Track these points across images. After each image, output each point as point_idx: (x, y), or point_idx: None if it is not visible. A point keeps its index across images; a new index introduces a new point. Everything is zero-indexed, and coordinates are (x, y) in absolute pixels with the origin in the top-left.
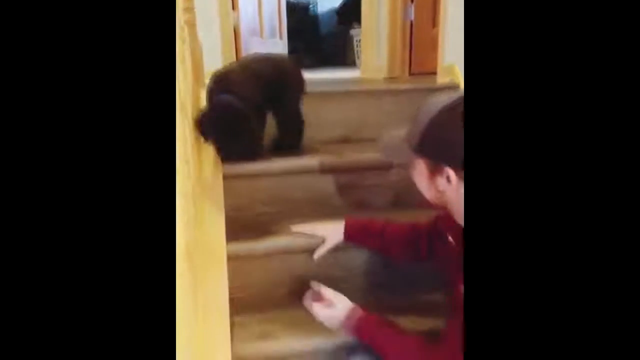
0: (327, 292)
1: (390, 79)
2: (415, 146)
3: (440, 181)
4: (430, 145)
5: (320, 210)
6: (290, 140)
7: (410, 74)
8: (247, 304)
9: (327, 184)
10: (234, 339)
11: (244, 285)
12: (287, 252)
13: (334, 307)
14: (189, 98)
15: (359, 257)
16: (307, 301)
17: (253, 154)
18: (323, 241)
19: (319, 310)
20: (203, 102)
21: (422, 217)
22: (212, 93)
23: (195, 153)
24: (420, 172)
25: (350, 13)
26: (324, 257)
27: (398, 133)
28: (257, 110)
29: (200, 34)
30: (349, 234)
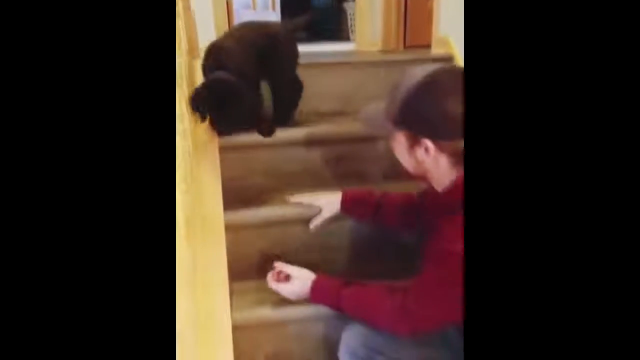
0: (287, 268)
1: (385, 51)
2: (394, 119)
3: (419, 152)
4: (408, 118)
5: (315, 181)
6: (284, 113)
7: (405, 46)
8: (245, 272)
9: (322, 155)
10: (234, 305)
11: (242, 253)
12: (284, 221)
13: (293, 281)
14: (184, 71)
15: (353, 227)
16: (271, 281)
17: (248, 125)
18: (319, 212)
19: (280, 287)
20: (198, 74)
21: (414, 188)
22: (206, 68)
23: (192, 126)
24: (399, 144)
25: None
26: (320, 227)
27: (378, 106)
28: (252, 81)
29: (193, 7)
30: (345, 206)
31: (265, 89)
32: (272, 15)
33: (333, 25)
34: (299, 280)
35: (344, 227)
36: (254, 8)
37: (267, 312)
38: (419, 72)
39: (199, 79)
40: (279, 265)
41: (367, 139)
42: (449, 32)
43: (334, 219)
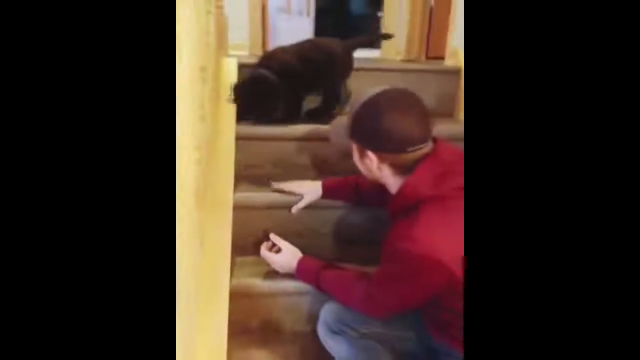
0: (282, 243)
1: (407, 60)
2: (348, 132)
3: (366, 161)
4: (357, 132)
5: (321, 174)
6: (320, 114)
7: (427, 57)
8: (248, 248)
9: (332, 150)
10: (233, 275)
11: (247, 231)
12: (287, 206)
13: (282, 254)
14: (211, 63)
15: (345, 215)
16: (263, 250)
17: (269, 118)
18: (302, 197)
19: (270, 257)
20: (224, 68)
21: None
22: (255, 67)
23: (212, 112)
24: (354, 153)
25: None
26: (318, 214)
27: (342, 119)
28: (295, 86)
29: (229, 9)
30: (326, 191)
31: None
32: (307, 20)
33: (366, 31)
34: (288, 254)
35: (336, 215)
36: (289, 12)
37: (260, 283)
38: (367, 93)
39: (227, 75)
40: (273, 238)
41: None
42: (459, 45)
43: (316, 204)
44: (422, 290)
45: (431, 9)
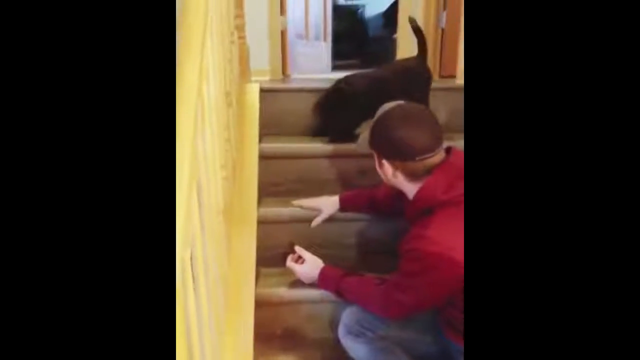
0: (305, 254)
1: None
2: (369, 142)
3: (383, 169)
4: (374, 142)
5: (342, 189)
6: None
7: (440, 76)
8: (273, 260)
9: (350, 166)
10: (258, 285)
11: (271, 244)
12: (308, 219)
13: (306, 265)
14: (234, 89)
15: (367, 228)
16: (289, 261)
17: (342, 134)
18: (320, 212)
19: (294, 267)
20: (247, 94)
21: None
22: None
23: (236, 134)
24: (375, 161)
25: (395, 18)
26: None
27: (367, 133)
28: (367, 102)
29: (251, 36)
30: (343, 204)
31: None
32: (323, 45)
33: (384, 53)
34: (311, 265)
35: (356, 227)
36: (307, 38)
37: (284, 292)
38: (384, 107)
39: (249, 99)
40: (298, 250)
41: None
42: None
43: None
44: (438, 288)
45: (442, 31)
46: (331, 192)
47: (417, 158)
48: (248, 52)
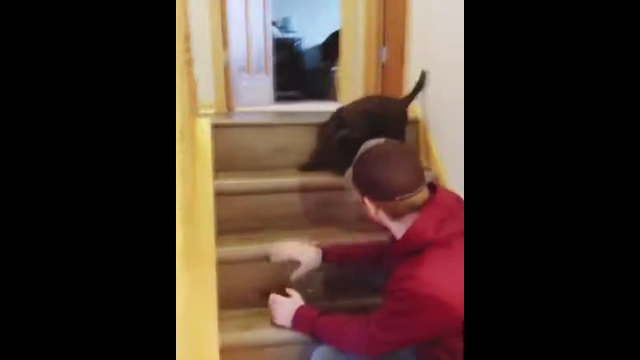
0: (279, 298)
1: None
2: (352, 180)
3: (366, 207)
4: (355, 180)
5: (298, 224)
6: None
7: None
8: (235, 301)
9: (305, 201)
10: (222, 330)
11: (231, 285)
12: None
13: (280, 308)
14: (187, 126)
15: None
16: (269, 302)
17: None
18: (299, 265)
19: (272, 309)
20: (198, 130)
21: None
22: (331, 127)
23: (189, 171)
24: (359, 199)
25: (332, 51)
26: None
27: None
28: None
29: (195, 70)
30: (327, 258)
31: None
32: (266, 77)
33: (322, 86)
34: (285, 307)
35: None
36: (249, 71)
37: (249, 336)
38: (365, 145)
39: (200, 134)
40: (272, 296)
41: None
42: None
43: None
44: (423, 330)
45: (383, 64)
46: (289, 226)
47: (396, 198)
48: (196, 86)
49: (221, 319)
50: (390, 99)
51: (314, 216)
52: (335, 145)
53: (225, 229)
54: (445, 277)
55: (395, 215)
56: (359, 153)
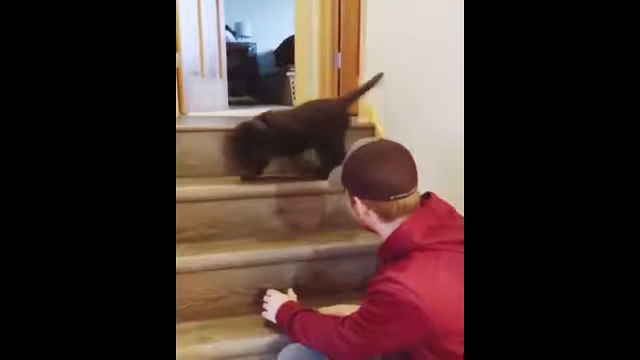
0: (272, 292)
1: None
2: (341, 179)
3: (356, 207)
4: (347, 179)
5: (255, 231)
6: (326, 169)
7: None
8: (189, 313)
9: (263, 208)
10: (178, 343)
11: (186, 296)
12: (225, 267)
13: (275, 301)
14: None
15: (291, 270)
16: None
17: (252, 173)
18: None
19: (265, 306)
20: None
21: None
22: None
23: None
24: (347, 200)
25: (286, 56)
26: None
27: (339, 169)
28: (284, 142)
29: None
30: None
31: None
32: (220, 82)
33: (277, 91)
34: (276, 301)
35: (282, 270)
36: (202, 75)
37: (205, 349)
38: (357, 144)
39: None
40: (269, 291)
41: (304, 194)
42: (372, 103)
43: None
44: (395, 337)
45: (339, 70)
46: (245, 234)
47: (391, 198)
48: None
49: (177, 333)
50: (328, 101)
51: (267, 224)
52: (244, 150)
53: (181, 237)
54: (428, 287)
55: (388, 217)
56: (350, 151)
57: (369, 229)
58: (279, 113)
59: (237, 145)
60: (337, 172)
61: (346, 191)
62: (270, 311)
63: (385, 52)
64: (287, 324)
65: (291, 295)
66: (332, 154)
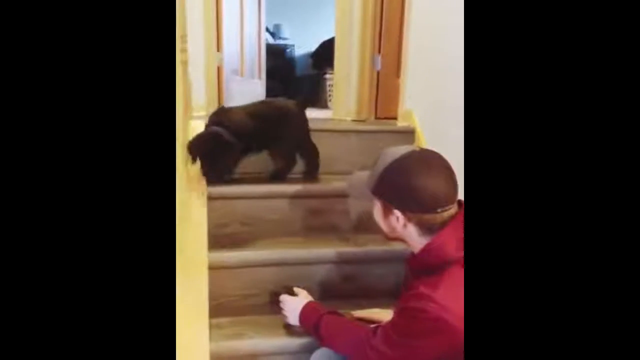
0: (287, 297)
1: (359, 121)
2: (373, 188)
3: (392, 219)
4: (384, 190)
5: (291, 231)
6: (284, 172)
7: (377, 117)
8: (223, 309)
9: (298, 208)
10: (212, 338)
11: (220, 292)
12: (259, 264)
13: (293, 304)
14: (181, 128)
15: (324, 270)
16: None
17: (222, 178)
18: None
19: (285, 313)
20: (191, 132)
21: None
22: (207, 124)
23: (182, 173)
24: (377, 210)
25: (323, 58)
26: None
27: (362, 175)
28: (245, 143)
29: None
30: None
31: None
32: (258, 82)
33: (313, 93)
34: (294, 304)
35: (314, 271)
36: (242, 75)
37: (239, 345)
38: (395, 152)
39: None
40: (282, 297)
41: (338, 196)
42: (413, 107)
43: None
44: (429, 352)
45: (378, 72)
46: (279, 233)
47: (438, 210)
48: (191, 88)
49: (211, 327)
50: (285, 100)
51: (305, 224)
52: (202, 140)
53: (218, 233)
54: (460, 303)
55: (429, 230)
56: (386, 160)
57: (398, 240)
58: (234, 111)
59: (203, 155)
60: (358, 178)
61: (378, 201)
62: (292, 315)
63: (428, 55)
64: (313, 328)
65: (302, 293)
66: (286, 156)
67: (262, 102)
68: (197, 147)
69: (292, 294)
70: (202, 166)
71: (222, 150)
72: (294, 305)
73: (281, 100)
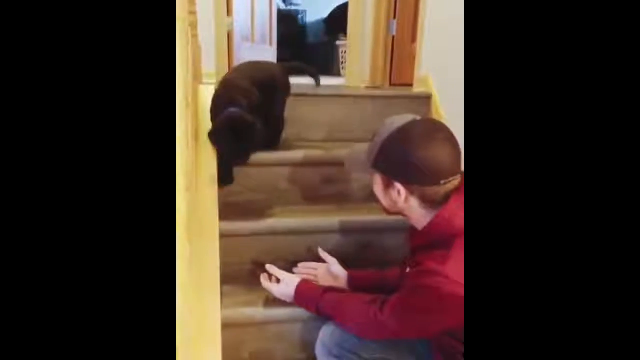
0: (277, 272)
1: (373, 87)
2: (372, 162)
3: (393, 193)
4: (383, 163)
5: (302, 199)
6: (272, 138)
7: (391, 84)
8: (237, 276)
9: (311, 175)
10: (223, 305)
11: (233, 260)
12: (271, 233)
13: (284, 283)
14: (190, 93)
15: (337, 239)
16: (264, 281)
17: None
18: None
19: (272, 287)
20: (201, 97)
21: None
22: (220, 102)
23: (192, 139)
24: (377, 184)
25: (336, 24)
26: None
27: (360, 148)
28: (258, 115)
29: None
30: (354, 282)
31: None
32: (269, 49)
33: (325, 60)
34: (286, 282)
35: (323, 240)
36: (253, 41)
37: (251, 312)
38: (395, 122)
39: (203, 102)
40: (270, 269)
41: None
42: (429, 73)
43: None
44: (438, 326)
45: (393, 37)
46: (293, 201)
47: (441, 182)
48: (200, 52)
49: (222, 295)
50: (273, 65)
51: (316, 192)
52: (225, 126)
53: (228, 202)
54: None
55: (432, 203)
56: (386, 131)
57: (398, 214)
58: (239, 84)
59: (226, 140)
60: (357, 151)
61: (377, 175)
62: (282, 292)
63: (447, 19)
64: (314, 306)
65: (332, 262)
66: (276, 121)
67: (253, 67)
68: (221, 137)
69: (319, 259)
70: (230, 153)
71: (245, 133)
72: (285, 288)
73: (267, 63)
